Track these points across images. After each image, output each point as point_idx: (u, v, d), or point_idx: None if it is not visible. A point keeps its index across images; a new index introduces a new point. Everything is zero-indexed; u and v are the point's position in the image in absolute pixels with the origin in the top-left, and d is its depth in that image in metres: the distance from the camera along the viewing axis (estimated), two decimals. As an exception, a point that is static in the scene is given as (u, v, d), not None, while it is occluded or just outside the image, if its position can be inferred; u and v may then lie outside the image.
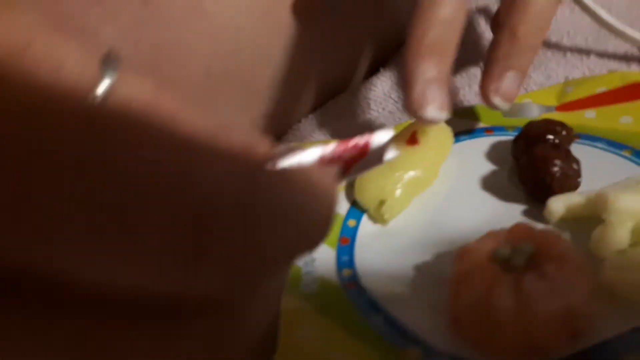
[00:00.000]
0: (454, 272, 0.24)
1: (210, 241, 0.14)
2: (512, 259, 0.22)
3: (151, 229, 0.14)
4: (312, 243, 0.17)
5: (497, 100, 0.29)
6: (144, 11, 0.30)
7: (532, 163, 0.27)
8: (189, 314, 0.15)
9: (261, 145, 0.21)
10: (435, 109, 0.27)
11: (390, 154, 0.25)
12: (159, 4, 0.30)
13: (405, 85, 0.28)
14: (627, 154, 0.28)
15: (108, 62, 0.17)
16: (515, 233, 0.24)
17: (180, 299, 0.15)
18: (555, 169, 0.26)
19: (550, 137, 0.28)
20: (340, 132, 0.36)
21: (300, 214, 0.16)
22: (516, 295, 0.21)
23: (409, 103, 0.28)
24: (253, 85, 0.35)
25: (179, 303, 0.15)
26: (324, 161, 0.22)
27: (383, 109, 0.36)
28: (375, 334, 0.23)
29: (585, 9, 0.34)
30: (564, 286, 0.21)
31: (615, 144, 0.29)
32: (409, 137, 0.30)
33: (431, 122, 0.28)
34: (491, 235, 0.24)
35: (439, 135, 0.30)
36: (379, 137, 0.24)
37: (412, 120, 0.31)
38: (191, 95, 0.33)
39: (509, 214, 0.27)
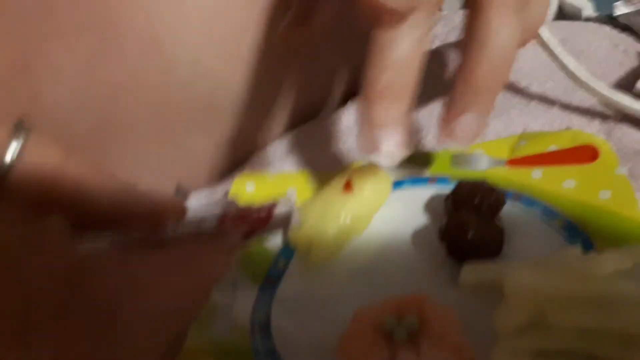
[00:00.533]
0: (346, 332, 0.24)
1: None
2: (395, 332, 0.22)
3: None
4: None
5: (450, 141, 0.28)
6: (101, 46, 0.31)
7: (451, 226, 0.27)
8: None
9: (168, 207, 0.22)
10: (383, 154, 0.27)
11: (294, 220, 0.26)
12: (115, 39, 0.31)
13: (358, 128, 0.28)
14: (557, 224, 0.27)
15: (18, 129, 0.19)
16: (407, 304, 0.23)
17: None
18: (471, 235, 0.26)
19: (476, 201, 0.27)
20: (305, 161, 0.36)
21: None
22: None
23: (360, 146, 0.28)
24: (213, 113, 0.36)
25: None
26: (225, 224, 0.23)
27: (343, 143, 0.36)
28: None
29: (552, 55, 0.32)
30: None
31: (550, 212, 0.28)
32: (344, 184, 0.30)
33: (381, 164, 0.28)
34: (387, 302, 0.24)
35: (376, 185, 0.30)
36: (282, 206, 0.25)
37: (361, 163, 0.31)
38: (150, 123, 0.34)
39: (429, 272, 0.27)
